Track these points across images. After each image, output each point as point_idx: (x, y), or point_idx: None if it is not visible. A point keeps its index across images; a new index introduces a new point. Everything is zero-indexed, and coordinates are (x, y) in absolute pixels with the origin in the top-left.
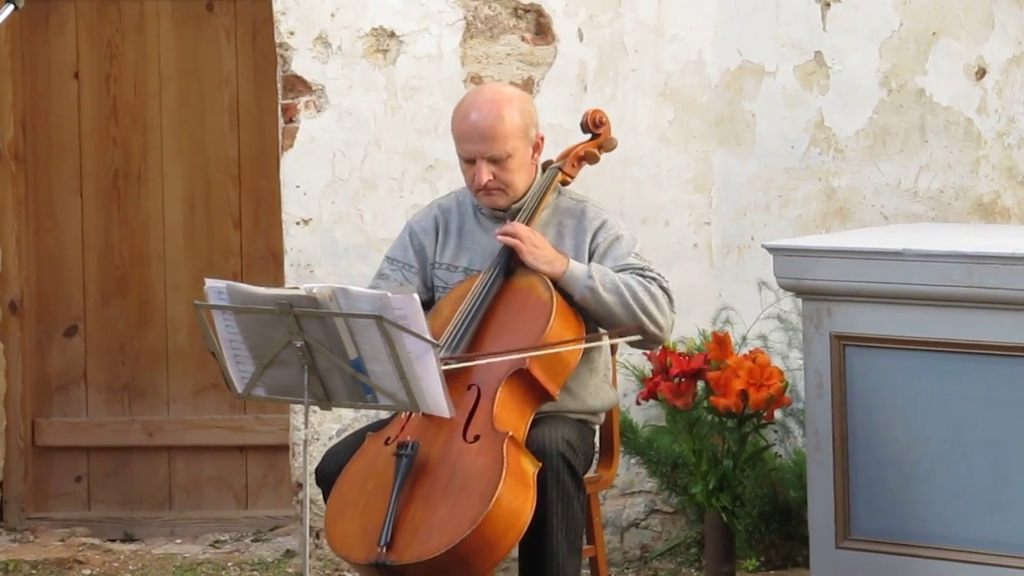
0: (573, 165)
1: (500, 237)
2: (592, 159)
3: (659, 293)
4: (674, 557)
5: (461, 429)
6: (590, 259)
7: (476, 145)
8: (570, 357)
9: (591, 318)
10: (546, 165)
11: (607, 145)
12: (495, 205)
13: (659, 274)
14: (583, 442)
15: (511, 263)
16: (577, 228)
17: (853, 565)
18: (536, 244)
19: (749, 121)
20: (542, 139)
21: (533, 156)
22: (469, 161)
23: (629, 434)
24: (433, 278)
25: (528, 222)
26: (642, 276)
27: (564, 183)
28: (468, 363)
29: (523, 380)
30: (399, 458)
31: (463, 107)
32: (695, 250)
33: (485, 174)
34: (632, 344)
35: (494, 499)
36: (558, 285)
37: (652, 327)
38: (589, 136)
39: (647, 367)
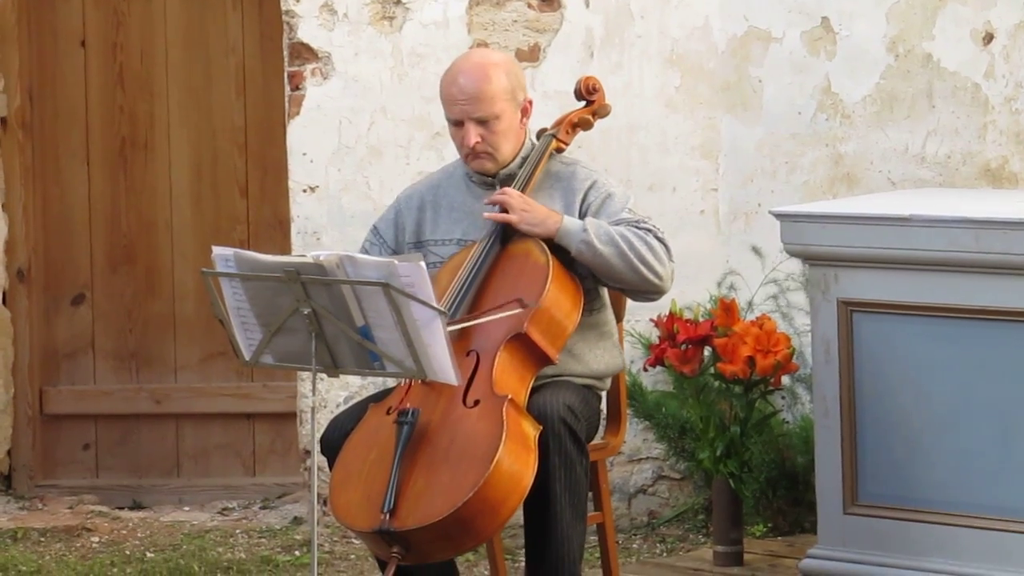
0: (567, 132)
1: (488, 215)
2: (586, 125)
3: (656, 243)
4: (681, 523)
5: (461, 395)
6: (582, 218)
7: (463, 106)
8: (568, 320)
9: (591, 274)
10: (540, 133)
11: (601, 111)
12: (482, 169)
13: (654, 225)
14: (586, 407)
15: (507, 228)
16: (567, 189)
17: (860, 530)
18: (525, 207)
19: (756, 87)
20: (530, 103)
21: (522, 121)
22: (457, 124)
23: (637, 397)
24: (427, 255)
25: (523, 191)
26: (637, 228)
27: (559, 150)
28: (461, 325)
29: (521, 344)
30: (400, 426)
31: (450, 71)
32: (702, 216)
33: (473, 135)
34: (635, 296)
35: (494, 462)
36: (554, 243)
37: (651, 276)
38: (583, 103)
39: (654, 334)
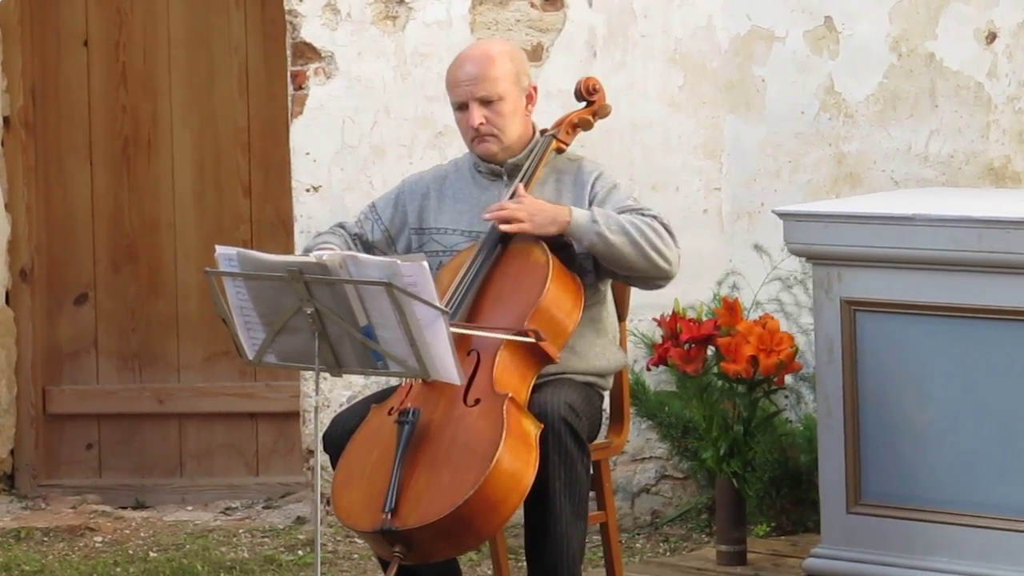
0: (567, 132)
1: (502, 228)
2: (586, 126)
3: (661, 229)
4: (685, 523)
5: (462, 394)
6: (590, 207)
7: (467, 87)
8: (569, 319)
9: (592, 268)
10: (541, 134)
11: (601, 112)
12: (488, 153)
13: (659, 213)
14: (588, 405)
15: None
16: (575, 182)
17: (863, 530)
18: (533, 211)
19: (759, 86)
20: (535, 89)
21: (527, 107)
22: (462, 107)
23: (641, 396)
24: (429, 243)
25: (527, 186)
26: (643, 215)
27: (559, 151)
28: (465, 331)
29: (522, 342)
30: (401, 425)
31: (456, 60)
32: (705, 216)
33: (477, 116)
34: (643, 284)
35: (495, 460)
36: (564, 238)
37: (661, 261)
38: (583, 103)
39: (657, 333)
